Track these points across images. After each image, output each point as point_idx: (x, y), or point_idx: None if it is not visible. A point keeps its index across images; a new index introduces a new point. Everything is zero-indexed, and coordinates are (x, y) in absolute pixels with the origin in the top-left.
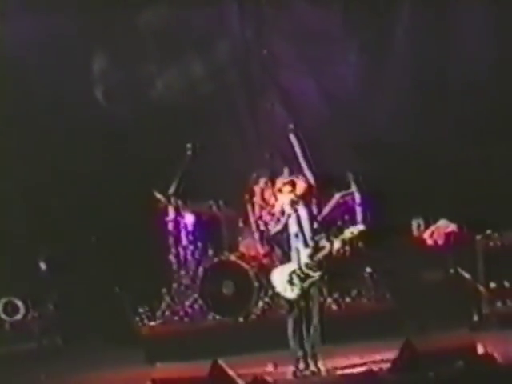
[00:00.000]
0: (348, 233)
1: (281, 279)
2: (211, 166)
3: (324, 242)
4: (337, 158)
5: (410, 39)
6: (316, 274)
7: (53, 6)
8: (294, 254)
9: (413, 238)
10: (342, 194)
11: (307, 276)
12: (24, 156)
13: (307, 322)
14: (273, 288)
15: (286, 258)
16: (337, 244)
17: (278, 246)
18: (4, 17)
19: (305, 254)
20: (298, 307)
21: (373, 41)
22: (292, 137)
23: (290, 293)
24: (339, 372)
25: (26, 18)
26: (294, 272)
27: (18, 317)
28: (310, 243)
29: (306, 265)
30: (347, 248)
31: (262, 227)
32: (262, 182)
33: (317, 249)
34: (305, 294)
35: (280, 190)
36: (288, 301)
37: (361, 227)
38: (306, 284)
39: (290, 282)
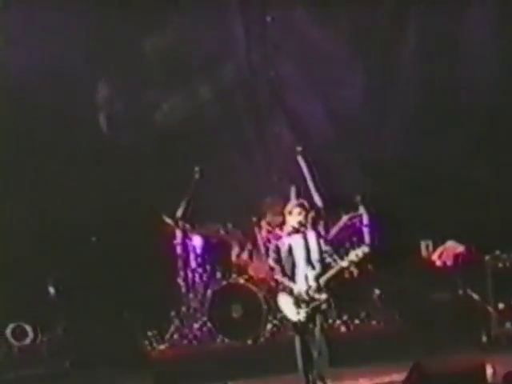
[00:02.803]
0: (353, 255)
1: (287, 302)
2: (219, 189)
3: (330, 264)
4: (345, 180)
5: (417, 60)
6: (322, 297)
7: (57, 32)
8: (300, 277)
9: (421, 259)
10: (350, 216)
11: (313, 299)
12: (29, 182)
13: (315, 344)
14: (281, 311)
15: (291, 281)
16: (344, 263)
17: (283, 268)
18: (9, 43)
19: (311, 277)
20: (305, 330)
21: (380, 62)
22: (300, 159)
23: (296, 316)
24: None
25: (31, 43)
26: (300, 295)
27: (27, 341)
28: (317, 265)
29: (312, 287)
30: (355, 270)
31: (271, 250)
32: (271, 205)
33: (323, 271)
34: (311, 316)
35: (290, 213)
36: (294, 324)
37: (366, 249)
38: (311, 307)
39: (296, 304)
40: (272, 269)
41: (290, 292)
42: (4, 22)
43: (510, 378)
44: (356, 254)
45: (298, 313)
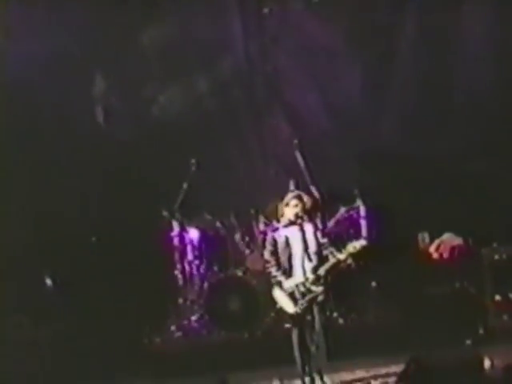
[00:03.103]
0: (350, 247)
1: (283, 294)
2: (216, 181)
3: (327, 256)
4: (342, 172)
5: (416, 53)
6: (319, 289)
7: (55, 25)
8: (297, 269)
9: (418, 251)
10: (348, 209)
11: (309, 291)
12: (26, 176)
13: (312, 337)
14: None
15: (288, 273)
16: (342, 256)
17: (278, 260)
18: (7, 36)
19: (308, 269)
20: (302, 322)
21: (378, 55)
22: (297, 152)
23: (292, 308)
24: None
25: (29, 37)
26: (296, 287)
27: (25, 336)
28: (314, 258)
29: (309, 279)
30: (352, 262)
31: (267, 242)
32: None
33: (320, 263)
34: (307, 309)
35: (287, 204)
36: (292, 316)
37: (363, 242)
38: (307, 299)
39: (292, 296)
40: (267, 261)
41: (283, 285)
42: (3, 16)
43: (510, 370)
44: (354, 247)
45: (294, 305)
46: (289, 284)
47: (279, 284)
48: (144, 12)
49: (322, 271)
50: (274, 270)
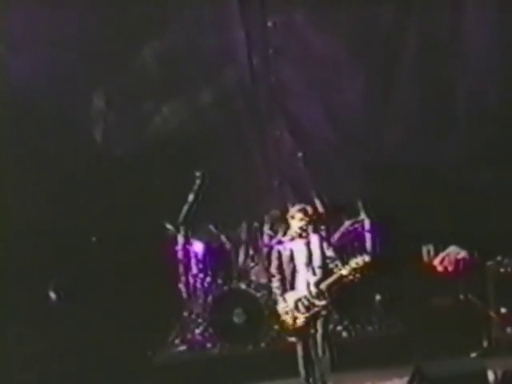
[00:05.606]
0: (353, 263)
1: (286, 308)
2: (220, 194)
3: (332, 270)
4: (346, 184)
5: (419, 64)
6: (321, 303)
7: (55, 39)
8: (300, 282)
9: (423, 264)
10: (352, 222)
11: (313, 305)
12: (27, 192)
13: (316, 350)
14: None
15: (290, 287)
16: (344, 271)
17: (283, 274)
18: (8, 50)
19: (312, 282)
20: (305, 335)
21: (381, 67)
22: (301, 164)
23: (296, 321)
24: None
25: (30, 53)
26: (299, 300)
27: (28, 345)
28: (318, 271)
29: (312, 293)
30: (357, 277)
31: (273, 256)
32: (272, 210)
33: (324, 277)
34: (310, 322)
35: (292, 217)
36: (294, 330)
37: (366, 258)
38: (311, 312)
39: (296, 310)
40: (272, 275)
41: (287, 301)
42: (4, 31)
43: None
44: (356, 263)
45: (298, 318)
46: (292, 298)
47: (282, 300)
48: (146, 24)
49: (324, 286)
50: (276, 286)
